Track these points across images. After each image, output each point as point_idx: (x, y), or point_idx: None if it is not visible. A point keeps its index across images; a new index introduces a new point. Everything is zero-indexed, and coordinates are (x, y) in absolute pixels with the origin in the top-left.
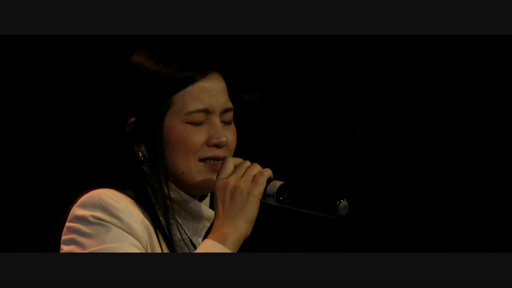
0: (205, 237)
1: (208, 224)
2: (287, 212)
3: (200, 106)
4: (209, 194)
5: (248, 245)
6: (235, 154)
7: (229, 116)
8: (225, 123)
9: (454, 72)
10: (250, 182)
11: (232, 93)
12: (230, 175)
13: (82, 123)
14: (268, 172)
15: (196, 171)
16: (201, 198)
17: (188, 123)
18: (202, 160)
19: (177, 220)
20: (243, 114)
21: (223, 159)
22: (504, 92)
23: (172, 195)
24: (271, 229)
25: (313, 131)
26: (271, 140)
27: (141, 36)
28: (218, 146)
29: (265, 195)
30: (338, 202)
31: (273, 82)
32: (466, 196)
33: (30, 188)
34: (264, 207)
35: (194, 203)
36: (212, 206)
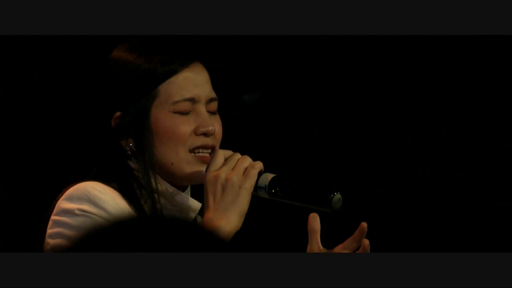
0: None
1: (194, 215)
2: (281, 211)
3: (186, 95)
4: (189, 185)
5: (242, 243)
6: (224, 148)
7: (214, 106)
8: (211, 113)
9: (454, 72)
10: (241, 175)
11: (216, 84)
12: (221, 167)
13: (68, 119)
14: (259, 165)
15: (185, 162)
16: (183, 189)
17: (174, 113)
18: (192, 150)
19: (163, 214)
20: (232, 108)
21: (212, 147)
22: (504, 92)
23: (159, 188)
24: (264, 228)
25: (305, 126)
26: (261, 134)
27: (130, 36)
28: (206, 134)
29: (256, 187)
30: (332, 195)
31: (263, 78)
32: (466, 196)
33: (15, 182)
34: (255, 202)
35: (180, 196)
36: (194, 196)
